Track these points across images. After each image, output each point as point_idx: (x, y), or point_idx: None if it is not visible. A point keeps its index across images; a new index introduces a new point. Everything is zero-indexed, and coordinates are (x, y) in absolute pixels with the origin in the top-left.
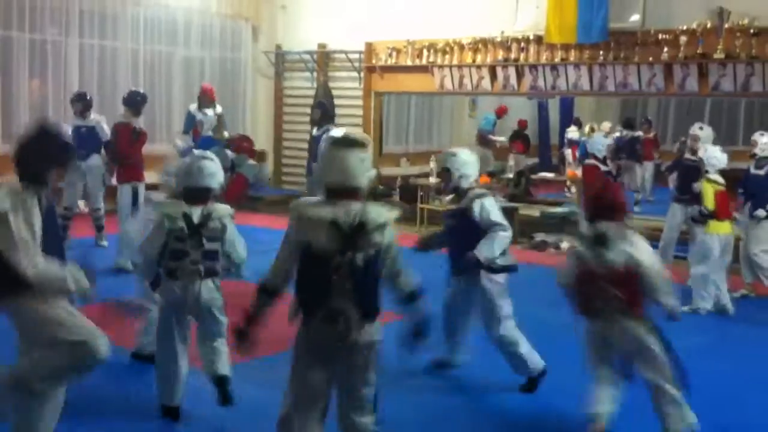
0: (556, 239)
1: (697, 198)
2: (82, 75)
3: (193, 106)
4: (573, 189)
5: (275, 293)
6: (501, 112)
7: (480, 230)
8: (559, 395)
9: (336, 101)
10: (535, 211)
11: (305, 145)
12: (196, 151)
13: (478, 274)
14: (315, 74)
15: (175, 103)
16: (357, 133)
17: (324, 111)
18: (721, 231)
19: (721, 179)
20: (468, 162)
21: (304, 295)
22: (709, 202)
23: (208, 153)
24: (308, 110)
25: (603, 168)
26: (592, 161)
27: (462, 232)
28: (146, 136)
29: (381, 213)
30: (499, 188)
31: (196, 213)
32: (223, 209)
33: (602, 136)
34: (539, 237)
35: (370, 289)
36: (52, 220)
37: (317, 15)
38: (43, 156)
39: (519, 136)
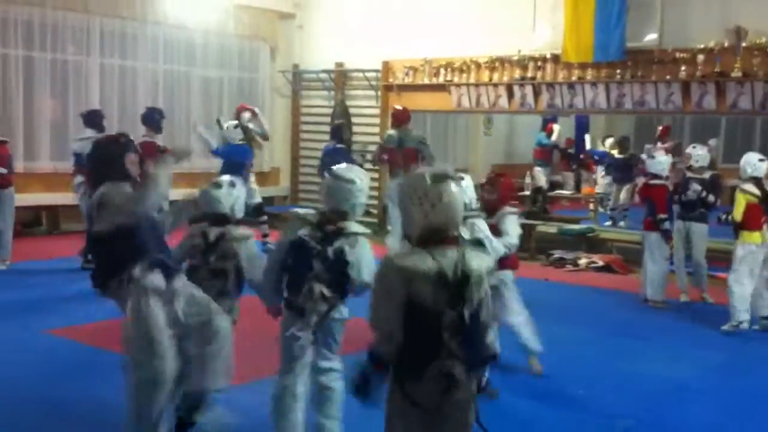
0: (573, 256)
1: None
2: (102, 94)
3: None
4: (592, 206)
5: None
6: (549, 131)
7: None
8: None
9: (353, 119)
10: (552, 228)
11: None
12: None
13: None
14: (332, 93)
15: (193, 123)
16: (443, 166)
17: (335, 130)
18: (754, 241)
19: (756, 190)
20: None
21: (410, 355)
22: (738, 213)
23: (224, 180)
24: (326, 128)
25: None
26: (659, 181)
27: None
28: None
29: (482, 262)
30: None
31: (213, 232)
32: (238, 233)
33: (662, 156)
34: (557, 254)
35: (476, 346)
36: None
37: (334, 34)
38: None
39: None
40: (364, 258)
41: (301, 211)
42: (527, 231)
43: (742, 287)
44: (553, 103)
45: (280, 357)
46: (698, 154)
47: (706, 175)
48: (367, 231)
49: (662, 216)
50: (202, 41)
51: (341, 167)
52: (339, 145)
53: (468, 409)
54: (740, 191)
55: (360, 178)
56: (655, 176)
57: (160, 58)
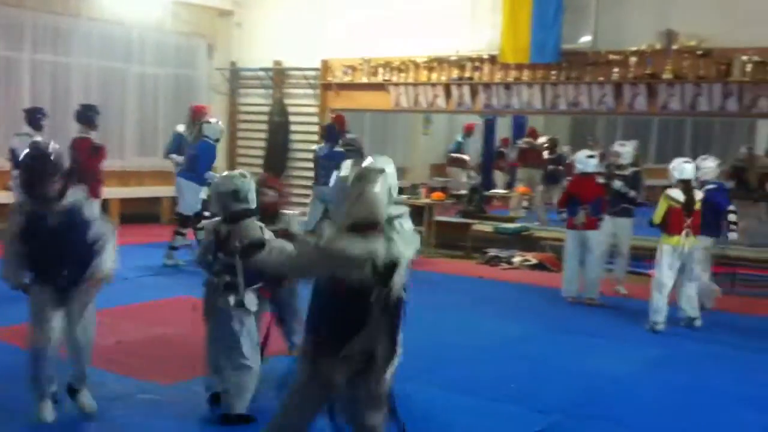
0: (508, 254)
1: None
2: (34, 90)
3: (181, 127)
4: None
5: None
6: (469, 129)
7: None
8: (508, 401)
9: (291, 118)
10: (488, 227)
11: (260, 162)
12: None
13: None
14: (271, 91)
15: (128, 120)
16: (379, 158)
17: (330, 130)
18: (673, 244)
19: (680, 196)
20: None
21: (332, 333)
22: (657, 216)
23: (237, 175)
24: (264, 127)
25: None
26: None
27: None
28: (105, 150)
29: (407, 247)
30: (452, 204)
31: (225, 229)
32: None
33: (586, 156)
34: (492, 252)
35: (396, 331)
36: None
37: (273, 32)
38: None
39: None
40: None
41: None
42: (464, 230)
43: (660, 288)
44: (490, 104)
45: None
46: (627, 151)
47: (629, 171)
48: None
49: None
50: (139, 37)
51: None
52: (337, 149)
53: (381, 390)
54: (664, 195)
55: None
56: (593, 175)
57: (94, 54)
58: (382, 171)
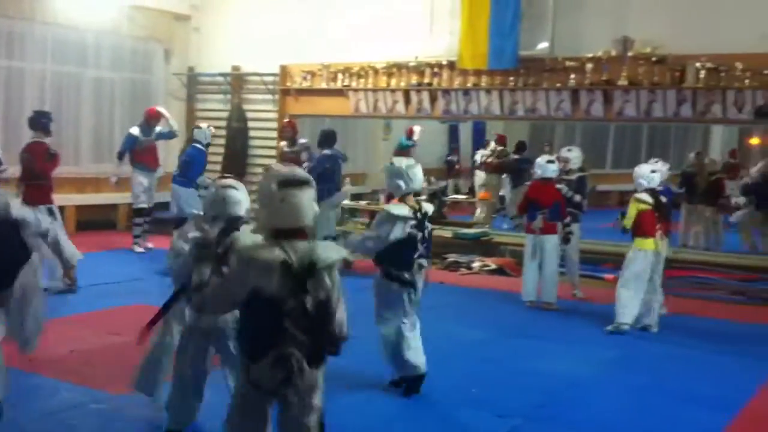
0: (468, 259)
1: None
2: None
3: (136, 129)
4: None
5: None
6: (410, 134)
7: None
8: (469, 406)
9: (250, 124)
10: (447, 233)
11: (217, 168)
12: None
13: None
14: (229, 97)
15: (83, 125)
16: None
17: (327, 136)
18: (646, 247)
19: (648, 198)
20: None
21: (251, 340)
22: (629, 221)
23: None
24: (222, 132)
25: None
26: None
27: None
28: (59, 158)
29: (330, 252)
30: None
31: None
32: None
33: (546, 161)
34: (451, 257)
35: (319, 335)
36: None
37: (231, 37)
38: None
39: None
40: None
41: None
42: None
43: (628, 291)
44: (448, 109)
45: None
46: (575, 156)
47: (575, 176)
48: None
49: (567, 220)
50: (94, 42)
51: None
52: (330, 152)
53: (313, 396)
54: (633, 199)
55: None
56: (553, 180)
57: (48, 58)
58: (307, 178)
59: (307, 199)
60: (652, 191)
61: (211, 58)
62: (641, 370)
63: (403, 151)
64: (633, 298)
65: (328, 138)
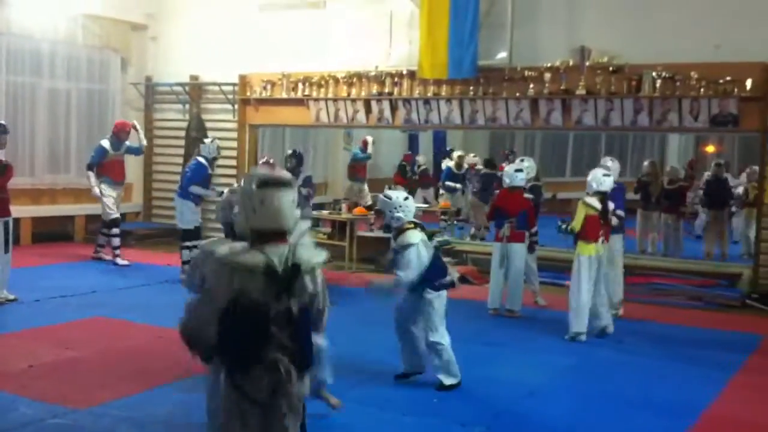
0: None
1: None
2: None
3: (106, 142)
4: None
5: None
6: (364, 146)
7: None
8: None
9: (209, 134)
10: None
11: (176, 178)
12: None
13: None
14: (187, 106)
15: (39, 136)
16: (280, 172)
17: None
18: (589, 252)
19: (597, 204)
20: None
21: (237, 349)
22: (578, 223)
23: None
24: (180, 142)
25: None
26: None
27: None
28: (13, 170)
29: (312, 255)
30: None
31: None
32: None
33: (514, 170)
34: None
35: (306, 339)
36: None
37: (189, 46)
38: None
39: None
40: None
41: None
42: (386, 244)
43: (578, 298)
44: (409, 119)
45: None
46: (527, 166)
47: (528, 185)
48: None
49: (534, 229)
50: (49, 51)
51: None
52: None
53: (299, 403)
54: (582, 203)
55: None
56: (521, 189)
57: (3, 68)
58: (287, 180)
59: (287, 201)
60: (601, 196)
61: (169, 68)
62: (600, 378)
63: (357, 162)
64: (585, 306)
65: (300, 161)
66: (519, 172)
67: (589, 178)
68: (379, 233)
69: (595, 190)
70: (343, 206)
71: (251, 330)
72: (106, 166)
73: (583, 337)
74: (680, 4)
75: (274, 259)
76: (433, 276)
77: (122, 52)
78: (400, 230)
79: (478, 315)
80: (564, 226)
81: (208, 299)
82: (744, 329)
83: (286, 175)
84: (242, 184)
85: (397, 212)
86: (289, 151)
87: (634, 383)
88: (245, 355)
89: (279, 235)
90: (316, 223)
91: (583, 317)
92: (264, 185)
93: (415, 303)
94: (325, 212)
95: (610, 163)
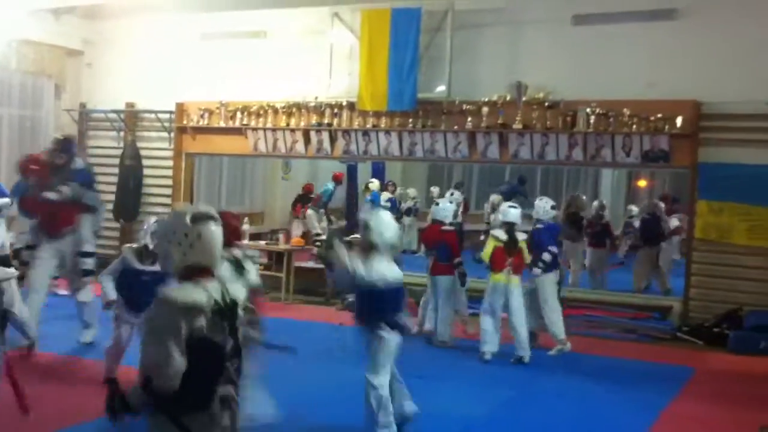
0: None
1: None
2: None
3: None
4: None
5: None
6: (339, 178)
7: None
8: None
9: (145, 162)
10: None
11: (109, 206)
12: None
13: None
14: (122, 134)
15: None
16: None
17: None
18: (497, 280)
19: (503, 236)
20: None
21: (197, 387)
22: (485, 254)
23: None
24: (115, 170)
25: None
26: (449, 227)
27: None
28: None
29: (240, 288)
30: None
31: None
32: None
33: (447, 203)
34: (351, 297)
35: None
36: None
37: (125, 73)
38: None
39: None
40: None
41: None
42: (324, 275)
43: (485, 322)
44: (349, 150)
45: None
46: (451, 199)
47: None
48: None
49: (459, 259)
50: None
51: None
52: None
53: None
54: (490, 236)
55: None
56: (442, 222)
57: None
58: (215, 215)
59: (219, 235)
60: (509, 228)
61: (105, 95)
62: (535, 410)
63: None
64: (493, 328)
65: (68, 149)
66: (437, 205)
67: (499, 210)
68: (319, 264)
69: (501, 221)
70: (281, 236)
71: (211, 368)
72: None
73: (488, 357)
74: (614, 43)
75: (214, 295)
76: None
77: (56, 78)
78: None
79: (414, 346)
80: (477, 257)
81: (158, 340)
82: (676, 362)
83: (212, 209)
84: (172, 219)
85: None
86: (57, 138)
87: (569, 415)
88: (203, 393)
89: (208, 270)
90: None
91: (492, 338)
92: (199, 220)
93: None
94: (262, 243)
95: (539, 202)
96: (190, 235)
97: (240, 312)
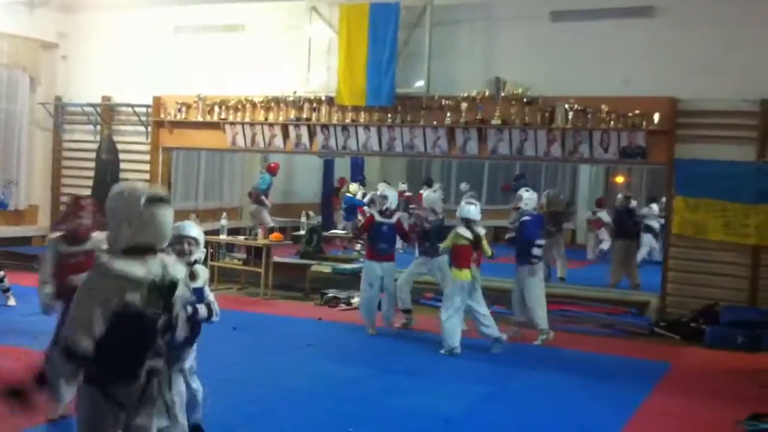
0: (347, 295)
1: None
2: None
3: None
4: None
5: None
6: (273, 169)
7: None
8: None
9: (121, 156)
10: (326, 268)
11: None
12: None
13: None
14: (98, 128)
15: None
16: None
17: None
18: (463, 278)
19: (467, 233)
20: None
21: (122, 357)
22: (444, 246)
23: None
24: (90, 164)
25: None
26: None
27: None
28: None
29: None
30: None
31: None
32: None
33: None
34: (331, 293)
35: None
36: None
37: (102, 67)
38: None
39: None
40: None
41: None
42: (302, 270)
43: (450, 320)
44: (327, 145)
45: None
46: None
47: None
48: None
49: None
50: None
51: None
52: None
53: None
54: (454, 233)
55: None
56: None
57: None
58: (168, 197)
59: (170, 217)
60: (468, 225)
61: (80, 88)
62: (512, 405)
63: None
64: (457, 326)
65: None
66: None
67: (458, 212)
68: (297, 259)
69: (461, 218)
70: (260, 231)
71: (140, 340)
72: None
73: (458, 351)
74: (591, 40)
75: (153, 272)
76: None
77: (31, 71)
78: None
79: (395, 342)
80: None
81: (86, 303)
82: (653, 357)
83: (165, 192)
84: (121, 198)
85: None
86: None
87: (546, 410)
88: (131, 364)
89: (153, 249)
90: (230, 248)
91: (458, 334)
92: (153, 202)
93: None
94: (240, 237)
95: (526, 193)
96: (143, 215)
97: (180, 290)
